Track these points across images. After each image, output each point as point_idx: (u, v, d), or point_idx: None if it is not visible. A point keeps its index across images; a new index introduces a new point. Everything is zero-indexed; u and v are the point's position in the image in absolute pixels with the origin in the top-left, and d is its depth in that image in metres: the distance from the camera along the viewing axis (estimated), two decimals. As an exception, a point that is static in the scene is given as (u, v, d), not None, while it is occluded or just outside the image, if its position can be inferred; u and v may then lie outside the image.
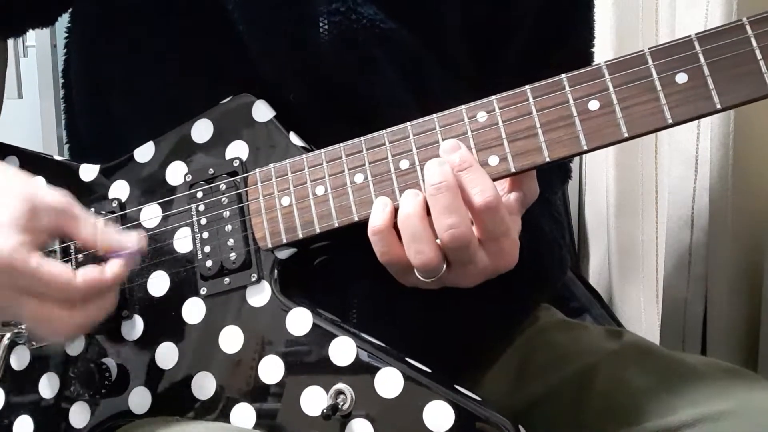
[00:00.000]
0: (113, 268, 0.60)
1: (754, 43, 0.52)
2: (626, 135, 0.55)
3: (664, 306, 0.96)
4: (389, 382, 0.57)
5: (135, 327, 0.66)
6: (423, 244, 0.56)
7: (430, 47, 0.67)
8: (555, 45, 0.75)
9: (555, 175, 0.83)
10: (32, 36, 1.59)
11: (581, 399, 0.69)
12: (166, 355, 0.65)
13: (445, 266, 0.57)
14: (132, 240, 0.61)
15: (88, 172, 0.71)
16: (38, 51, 1.58)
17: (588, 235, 1.19)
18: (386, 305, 0.67)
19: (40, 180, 0.70)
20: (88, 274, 0.58)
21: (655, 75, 0.54)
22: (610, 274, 1.14)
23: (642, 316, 1.07)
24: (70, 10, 0.78)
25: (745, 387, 0.63)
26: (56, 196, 0.61)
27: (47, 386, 0.68)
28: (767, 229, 0.89)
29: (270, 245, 0.63)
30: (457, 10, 0.68)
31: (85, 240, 0.61)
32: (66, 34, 0.79)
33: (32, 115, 1.58)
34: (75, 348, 0.68)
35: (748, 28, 0.53)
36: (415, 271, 0.57)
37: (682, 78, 0.54)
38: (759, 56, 0.52)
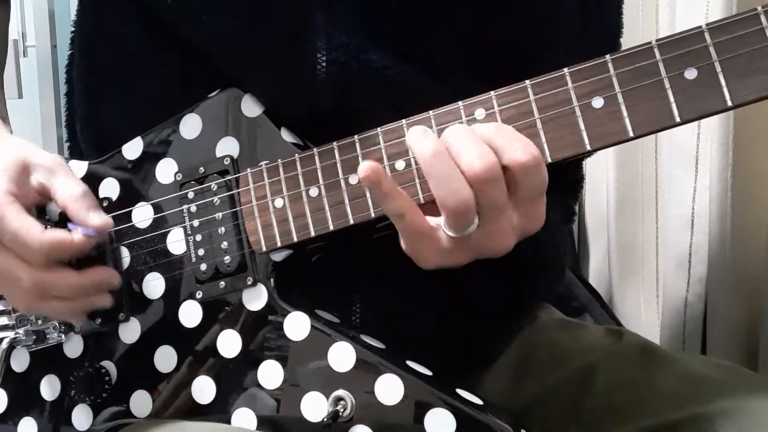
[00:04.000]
0: (79, 236, 0.62)
1: None
2: (632, 135, 0.51)
3: (664, 306, 0.96)
4: (389, 388, 0.56)
5: (133, 330, 0.65)
6: (455, 182, 0.51)
7: (444, 77, 0.64)
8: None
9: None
10: (32, 36, 1.59)
11: (581, 399, 0.69)
12: (165, 358, 0.64)
13: (477, 219, 0.53)
14: (96, 220, 0.63)
15: (76, 169, 0.69)
16: (38, 51, 1.57)
17: (588, 235, 1.19)
18: (389, 304, 0.66)
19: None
20: (55, 234, 0.61)
21: (663, 71, 0.50)
22: (610, 274, 1.14)
23: (642, 316, 1.07)
24: (77, 7, 0.78)
25: (744, 386, 0.63)
26: (47, 156, 0.64)
27: (48, 388, 0.68)
28: (767, 229, 0.89)
29: (264, 249, 0.61)
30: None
31: (61, 202, 0.63)
32: (72, 30, 0.78)
33: (32, 115, 1.58)
34: (73, 350, 0.68)
35: (763, 18, 0.48)
36: (446, 224, 0.53)
37: (691, 74, 0.49)
38: None
